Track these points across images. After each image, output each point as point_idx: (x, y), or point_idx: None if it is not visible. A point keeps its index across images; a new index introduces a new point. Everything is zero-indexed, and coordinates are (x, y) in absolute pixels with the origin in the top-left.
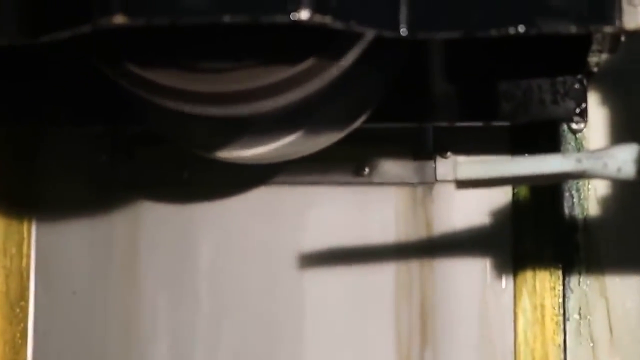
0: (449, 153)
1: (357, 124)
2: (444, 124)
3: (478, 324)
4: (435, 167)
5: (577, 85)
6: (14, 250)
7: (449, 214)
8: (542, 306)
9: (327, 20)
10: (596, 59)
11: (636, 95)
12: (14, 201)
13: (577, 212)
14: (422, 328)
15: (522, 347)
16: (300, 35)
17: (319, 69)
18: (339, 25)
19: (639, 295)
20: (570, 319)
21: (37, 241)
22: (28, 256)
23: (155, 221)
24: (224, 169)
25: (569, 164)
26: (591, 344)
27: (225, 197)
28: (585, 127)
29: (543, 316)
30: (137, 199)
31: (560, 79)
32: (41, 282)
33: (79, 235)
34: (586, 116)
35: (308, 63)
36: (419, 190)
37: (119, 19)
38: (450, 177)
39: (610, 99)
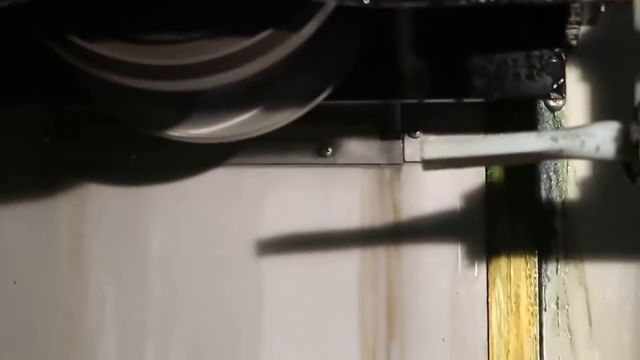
0: (418, 132)
1: (319, 100)
2: (412, 100)
3: (449, 315)
4: (403, 147)
5: (554, 59)
6: None
7: (417, 197)
8: (517, 295)
9: None
10: (575, 31)
11: (618, 70)
12: None
13: (555, 195)
14: (388, 320)
15: (495, 339)
16: (255, 2)
17: (276, 40)
18: None
19: (621, 284)
20: (547, 309)
21: None
22: None
23: (102, 205)
24: (175, 150)
25: (543, 143)
26: (569, 336)
27: (177, 179)
28: (563, 104)
29: (518, 306)
30: (82, 182)
31: (536, 52)
32: None
33: (19, 222)
34: (564, 92)
35: (265, 34)
36: (386, 171)
37: None
38: (418, 158)
39: (591, 74)
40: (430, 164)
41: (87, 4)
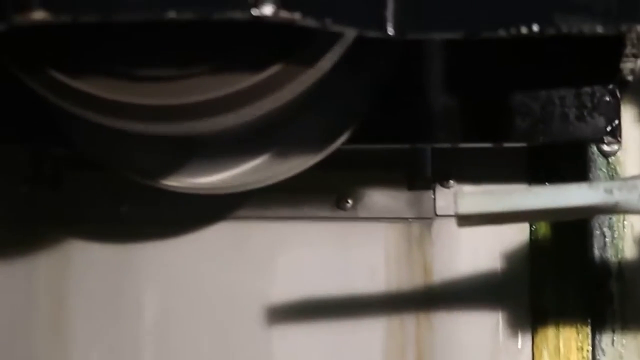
0: (451, 181)
1: (338, 144)
2: (445, 145)
3: None
4: (434, 199)
5: (607, 98)
6: None
7: (451, 257)
8: None
9: (296, 16)
10: (631, 65)
11: None
12: None
13: (610, 255)
14: None
15: None
16: (264, 35)
17: (287, 76)
18: (310, 22)
19: None
20: None
21: None
22: None
23: (87, 265)
24: (172, 201)
25: (597, 196)
26: None
27: (173, 235)
28: (618, 149)
29: None
30: (64, 238)
31: (587, 89)
32: None
33: None
34: (620, 136)
35: (274, 69)
36: (415, 227)
37: (39, 15)
38: (452, 212)
39: None
40: (466, 220)
41: (69, 33)
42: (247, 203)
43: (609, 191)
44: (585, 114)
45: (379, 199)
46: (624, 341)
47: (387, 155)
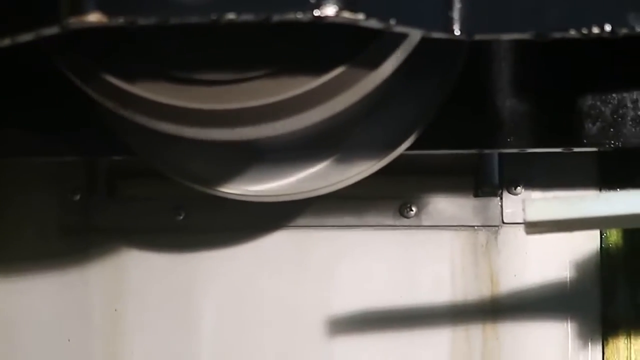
0: (519, 188)
1: (401, 149)
2: (512, 150)
3: None
4: (501, 206)
5: None
6: None
7: (519, 265)
8: None
9: (359, 17)
10: None
11: None
12: None
13: None
14: None
15: None
16: (327, 37)
17: (350, 79)
18: (374, 23)
19: None
20: None
21: None
22: None
23: (143, 275)
24: (231, 209)
25: None
26: None
27: (232, 244)
28: None
29: None
30: (119, 248)
31: None
32: (2, 339)
33: (46, 295)
34: None
35: (336, 72)
36: (481, 235)
37: (94, 18)
38: (520, 219)
39: None
40: (535, 227)
41: (125, 37)
42: (307, 211)
43: None
44: None
45: (444, 206)
46: None
47: (452, 161)
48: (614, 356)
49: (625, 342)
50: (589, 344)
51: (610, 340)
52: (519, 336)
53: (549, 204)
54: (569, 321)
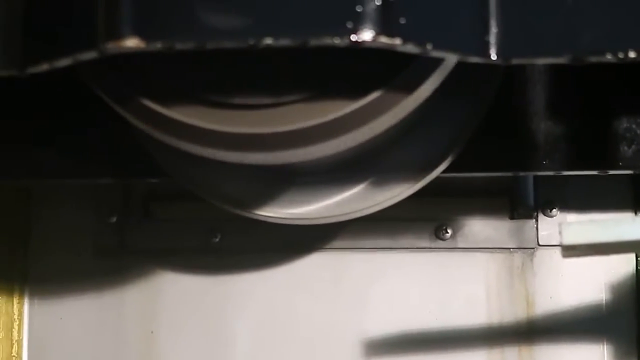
0: (554, 210)
1: (437, 172)
2: (548, 173)
3: None
4: (537, 229)
5: None
6: (1, 336)
7: (554, 288)
8: None
9: (396, 42)
10: None
11: None
12: (3, 273)
13: None
14: None
15: None
16: (363, 61)
17: (387, 103)
18: (411, 48)
19: None
20: None
21: (29, 324)
22: (19, 343)
23: (178, 296)
24: (266, 231)
25: None
26: None
27: (267, 266)
28: None
29: None
30: (155, 270)
31: None
32: None
33: (82, 316)
34: None
35: (373, 96)
36: (517, 257)
37: (132, 43)
38: (556, 242)
39: None
40: (571, 250)
41: (162, 61)
42: (342, 233)
43: None
44: None
45: (480, 228)
46: None
47: (488, 184)
48: None
49: None
50: None
51: None
52: (554, 358)
53: (585, 228)
54: (604, 343)
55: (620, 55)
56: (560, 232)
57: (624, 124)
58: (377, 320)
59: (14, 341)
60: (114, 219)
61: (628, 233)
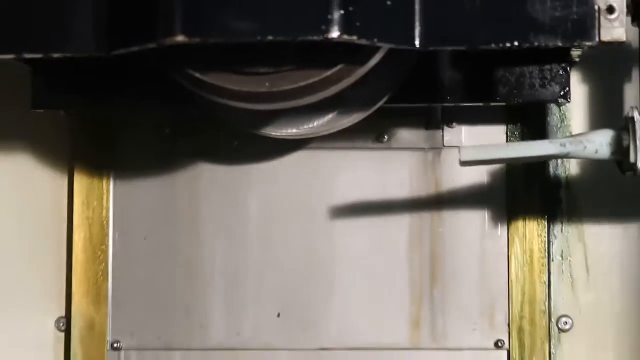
0: (454, 123)
1: (379, 104)
2: (450, 104)
3: (478, 266)
4: (443, 135)
5: (561, 72)
6: (95, 203)
7: (454, 174)
8: (531, 250)
9: (354, 38)
10: (577, 52)
11: (609, 79)
12: (96, 164)
13: (560, 172)
14: (431, 270)
15: (514, 284)
16: (332, 47)
17: (347, 72)
18: (363, 42)
19: (612, 241)
20: (554, 260)
21: (114, 196)
22: (107, 208)
23: (212, 181)
24: (267, 140)
25: (554, 148)
26: (571, 281)
27: (268, 160)
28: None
29: (531, 258)
30: (196, 164)
31: (547, 66)
32: (118, 229)
33: (149, 192)
34: (569, 97)
35: (338, 67)
36: (429, 154)
37: (180, 38)
38: (456, 144)
39: (589, 81)
40: (467, 163)
41: (202, 47)
42: (316, 138)
43: (563, 145)
44: (546, 83)
45: (405, 135)
46: (569, 229)
47: (412, 108)
48: (514, 232)
49: (522, 223)
50: (499, 224)
51: (512, 222)
52: (454, 221)
53: (476, 150)
54: (485, 210)
55: (501, 45)
56: (459, 153)
57: (501, 72)
58: (339, 196)
59: (103, 207)
60: (168, 131)
61: (504, 154)
